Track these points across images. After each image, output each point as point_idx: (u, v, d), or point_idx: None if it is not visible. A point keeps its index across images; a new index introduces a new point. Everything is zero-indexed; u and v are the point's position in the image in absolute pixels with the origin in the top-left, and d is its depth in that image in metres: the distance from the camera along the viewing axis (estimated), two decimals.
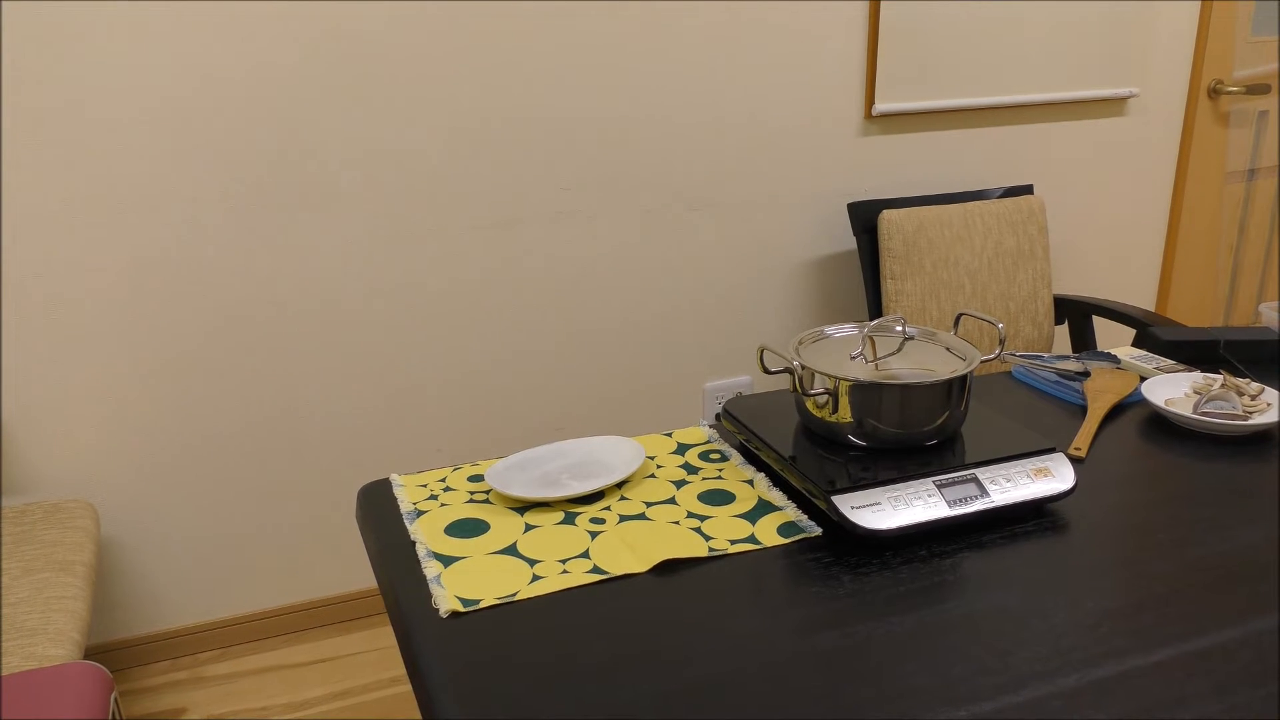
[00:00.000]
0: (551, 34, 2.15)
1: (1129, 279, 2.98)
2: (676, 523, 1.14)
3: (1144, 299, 3.03)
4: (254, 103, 1.97)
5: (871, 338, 1.26)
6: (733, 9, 2.27)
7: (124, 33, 1.85)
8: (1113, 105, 2.76)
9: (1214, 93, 2.86)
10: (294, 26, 1.96)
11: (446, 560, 1.07)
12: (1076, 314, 2.53)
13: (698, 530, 1.12)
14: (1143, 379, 1.51)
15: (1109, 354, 1.59)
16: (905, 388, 1.14)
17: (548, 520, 1.16)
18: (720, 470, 1.27)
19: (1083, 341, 2.52)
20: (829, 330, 1.31)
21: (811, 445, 1.19)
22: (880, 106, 2.46)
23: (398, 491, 1.23)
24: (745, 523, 1.14)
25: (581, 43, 2.18)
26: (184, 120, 1.94)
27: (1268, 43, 2.89)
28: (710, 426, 1.40)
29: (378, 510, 1.20)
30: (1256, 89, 2.88)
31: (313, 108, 2.02)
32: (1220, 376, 1.42)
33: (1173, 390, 1.44)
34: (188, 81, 1.92)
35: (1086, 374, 1.53)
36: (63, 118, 1.86)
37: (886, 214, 2.38)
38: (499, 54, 2.12)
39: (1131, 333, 2.94)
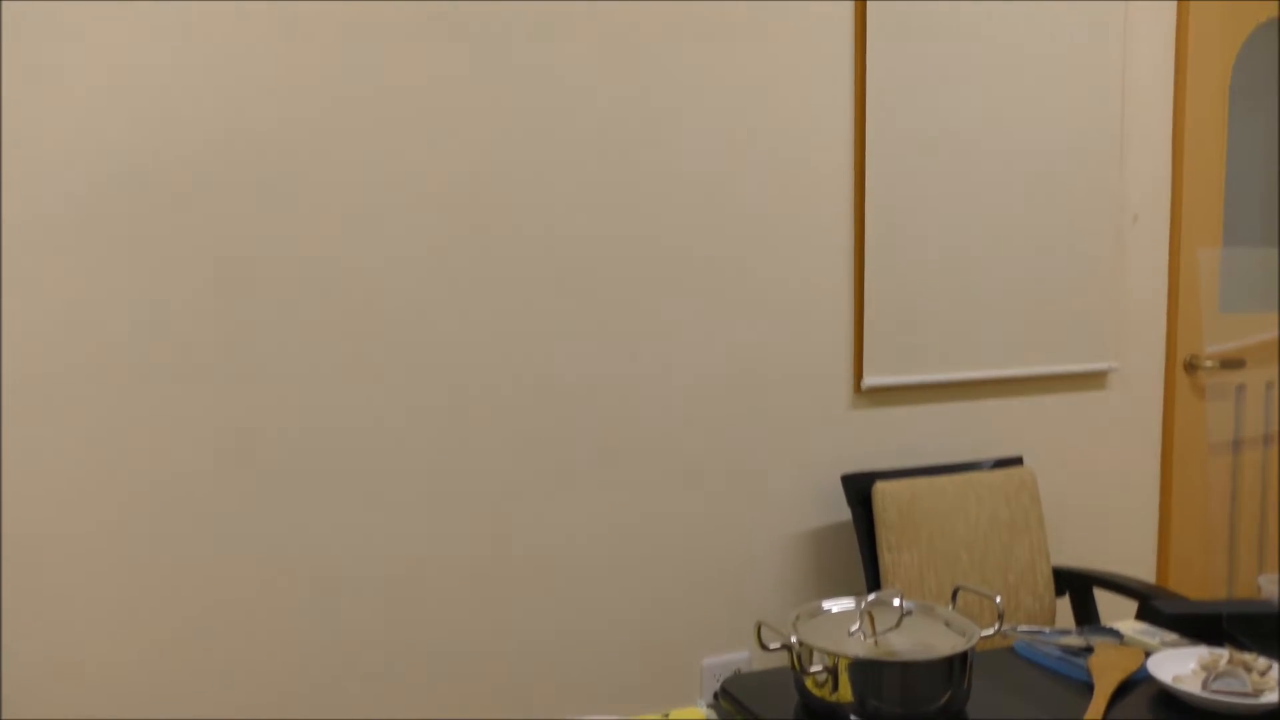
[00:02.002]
0: (550, 318, 2.25)
1: (1127, 548, 2.97)
2: None
3: (1144, 568, 3.01)
4: (247, 371, 2.04)
5: (870, 612, 1.25)
6: (721, 288, 2.39)
7: (116, 280, 1.94)
8: (1094, 379, 2.86)
9: (1190, 367, 2.96)
10: (290, 299, 2.05)
11: None
12: (1077, 586, 2.51)
13: None
14: (1148, 654, 1.48)
15: (1112, 629, 1.57)
16: (906, 665, 1.12)
17: None
18: None
19: (1085, 614, 2.49)
20: (827, 605, 1.30)
21: None
22: (869, 380, 2.54)
23: None
24: None
25: (579, 326, 2.28)
26: (176, 390, 1.99)
27: (1237, 319, 3.02)
28: (709, 706, 1.36)
29: None
30: (1231, 364, 2.99)
31: (297, 376, 2.08)
32: (1226, 651, 1.40)
33: (1180, 666, 1.41)
34: (190, 354, 1.99)
35: (1090, 649, 1.50)
36: (61, 377, 1.92)
37: (880, 485, 2.40)
38: (498, 335, 2.21)
39: (1134, 604, 2.90)
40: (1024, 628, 1.58)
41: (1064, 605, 2.79)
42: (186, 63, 1.95)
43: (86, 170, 1.89)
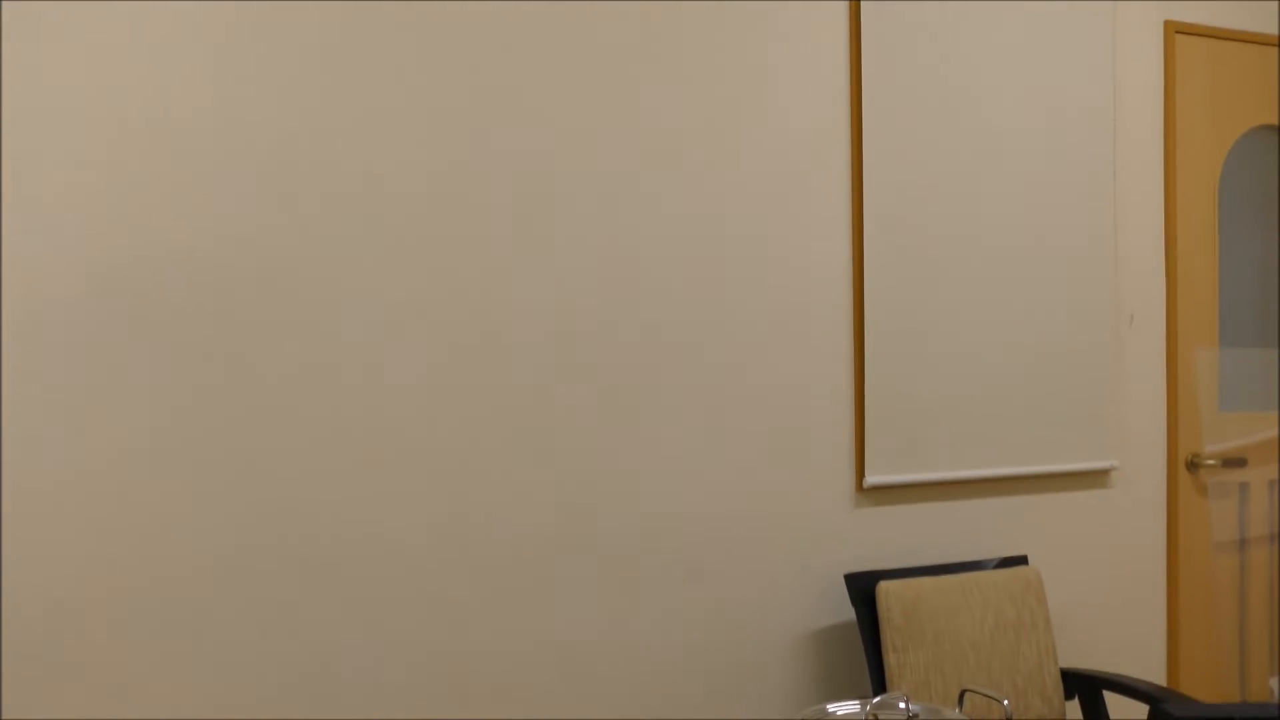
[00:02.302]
0: (548, 405, 2.27)
1: (1136, 649, 2.93)
2: None
3: (1153, 669, 2.96)
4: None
5: (876, 716, 1.24)
6: (722, 386, 2.41)
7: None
8: (1096, 477, 2.85)
9: (1192, 466, 2.97)
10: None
11: None
12: (1086, 688, 2.47)
13: None
14: None
15: None
16: None
17: None
18: None
19: (1095, 717, 2.45)
20: (832, 708, 1.29)
21: None
22: (871, 479, 2.55)
23: None
24: None
25: (579, 423, 2.29)
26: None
27: (1237, 418, 3.03)
28: None
29: None
30: (1233, 462, 2.99)
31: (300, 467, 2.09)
32: None
33: None
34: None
35: None
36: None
37: (884, 585, 2.39)
38: (498, 425, 2.23)
39: (1145, 707, 2.85)
40: None
41: (1073, 708, 2.74)
42: (183, 155, 2.01)
43: (88, 268, 1.94)
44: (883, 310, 2.56)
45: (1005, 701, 1.18)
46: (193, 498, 2.00)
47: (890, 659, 2.36)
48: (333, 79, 2.09)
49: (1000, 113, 2.68)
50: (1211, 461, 2.97)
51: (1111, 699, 2.77)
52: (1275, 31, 3.10)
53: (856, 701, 1.30)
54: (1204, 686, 3.02)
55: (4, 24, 1.86)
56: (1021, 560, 2.63)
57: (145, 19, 1.96)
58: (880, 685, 2.39)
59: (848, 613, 2.57)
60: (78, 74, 1.91)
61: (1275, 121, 3.10)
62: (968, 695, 2.37)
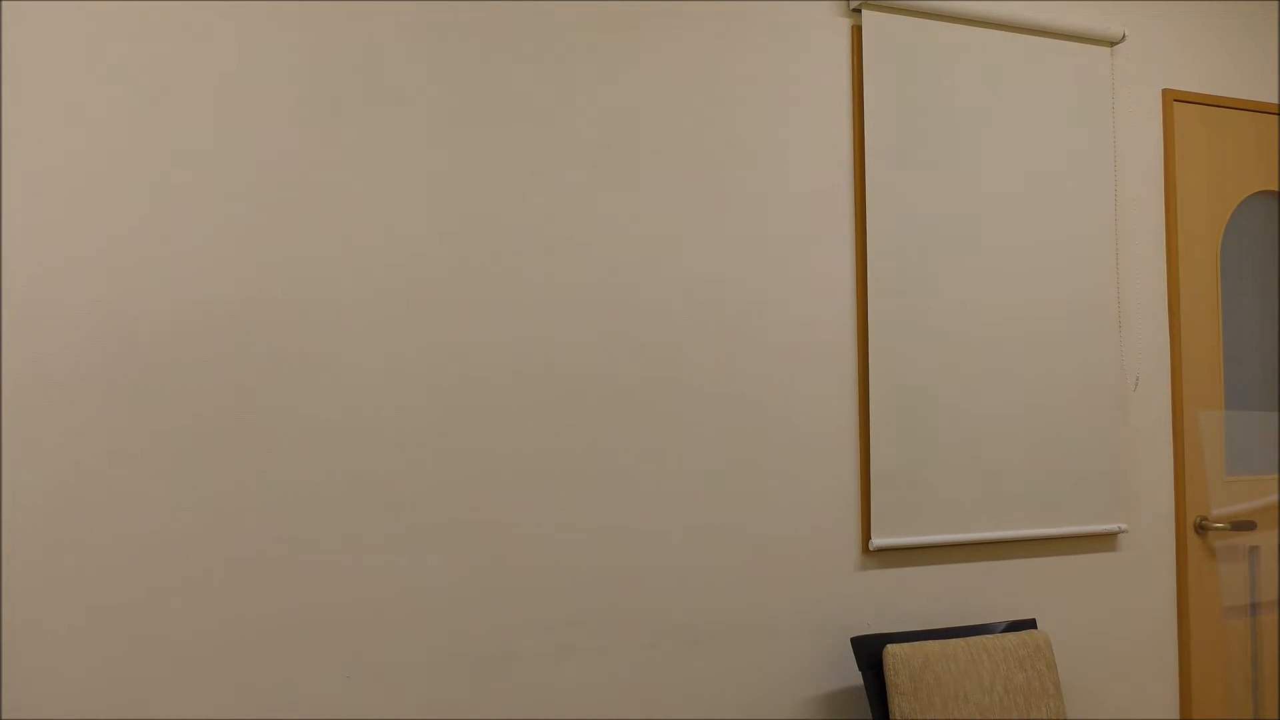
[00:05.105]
0: (549, 466, 2.28)
1: (1149, 716, 2.90)
2: None
3: None
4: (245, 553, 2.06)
5: None
6: (726, 447, 2.43)
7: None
8: (1104, 540, 2.84)
9: (1200, 529, 2.95)
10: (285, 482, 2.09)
11: None
12: None
13: None
14: None
15: None
16: None
17: None
18: None
19: None
20: None
21: None
22: (877, 541, 2.55)
23: None
24: None
25: (577, 482, 2.31)
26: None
27: (1245, 481, 3.02)
28: None
29: None
30: (1242, 525, 2.98)
31: (306, 538, 2.10)
32: None
33: None
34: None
35: None
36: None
37: (891, 649, 2.37)
38: (498, 486, 2.24)
39: None
40: None
41: None
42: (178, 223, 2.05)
43: (88, 330, 1.97)
44: (888, 373, 2.58)
45: None
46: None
47: None
48: (343, 146, 2.15)
49: (1002, 182, 2.72)
50: (1220, 525, 2.96)
51: None
52: (1273, 100, 3.15)
53: None
54: None
55: (4, 98, 1.93)
56: (1030, 624, 2.62)
57: (153, 79, 2.02)
58: None
59: (855, 677, 2.55)
60: (85, 138, 1.97)
61: (1275, 188, 3.13)
62: None
